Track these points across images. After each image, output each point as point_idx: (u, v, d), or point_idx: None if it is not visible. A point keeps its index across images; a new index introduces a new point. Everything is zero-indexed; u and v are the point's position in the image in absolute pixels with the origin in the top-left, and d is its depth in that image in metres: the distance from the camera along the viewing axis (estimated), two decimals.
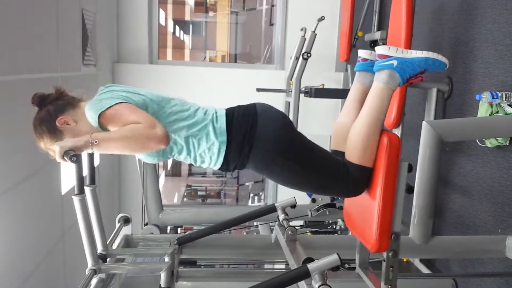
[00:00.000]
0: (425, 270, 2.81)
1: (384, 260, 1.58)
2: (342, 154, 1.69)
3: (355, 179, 1.61)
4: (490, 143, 2.32)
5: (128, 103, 1.57)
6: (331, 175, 1.64)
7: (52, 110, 1.66)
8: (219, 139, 1.62)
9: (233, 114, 1.66)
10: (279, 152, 1.61)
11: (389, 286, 1.59)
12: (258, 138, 1.61)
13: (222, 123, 1.64)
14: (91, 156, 1.80)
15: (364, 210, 1.65)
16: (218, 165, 1.68)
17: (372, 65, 1.73)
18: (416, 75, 1.61)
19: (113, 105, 1.54)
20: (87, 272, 1.64)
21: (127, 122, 1.52)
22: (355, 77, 1.82)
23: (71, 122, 1.65)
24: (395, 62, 1.59)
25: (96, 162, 3.89)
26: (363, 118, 1.60)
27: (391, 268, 1.59)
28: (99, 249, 1.80)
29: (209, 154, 1.65)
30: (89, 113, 1.58)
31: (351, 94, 1.81)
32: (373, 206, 1.55)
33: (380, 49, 1.61)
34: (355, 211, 1.77)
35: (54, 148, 1.56)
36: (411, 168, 1.56)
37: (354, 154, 1.60)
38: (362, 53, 1.79)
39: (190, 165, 12.07)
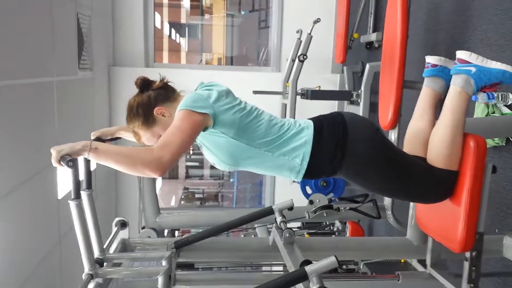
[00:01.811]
0: (421, 270, 2.81)
1: (466, 260, 1.62)
2: (421, 159, 1.69)
3: (443, 183, 1.62)
4: (487, 143, 2.32)
5: (199, 123, 1.54)
6: (422, 180, 1.65)
7: (153, 97, 1.70)
8: (303, 151, 1.63)
9: (322, 124, 1.66)
10: (373, 159, 1.62)
11: (472, 285, 1.63)
12: (351, 145, 1.61)
13: (309, 133, 1.64)
14: (87, 161, 1.80)
15: (446, 211, 1.66)
16: (301, 176, 1.68)
17: (441, 71, 1.77)
18: (491, 85, 1.64)
19: (195, 112, 1.53)
20: (84, 277, 1.63)
21: (169, 130, 1.51)
22: (425, 82, 1.83)
23: (167, 114, 1.69)
24: (473, 69, 1.62)
25: (93, 166, 3.88)
26: (444, 122, 1.61)
27: (473, 268, 1.62)
28: (96, 253, 1.79)
29: (290, 167, 1.65)
30: (184, 101, 1.58)
31: (421, 99, 1.82)
32: (459, 208, 1.57)
33: (461, 54, 1.64)
34: (433, 213, 1.78)
35: (142, 133, 1.69)
36: (495, 169, 1.59)
37: (439, 159, 1.61)
38: (431, 59, 1.80)
39: (188, 167, 12.09)
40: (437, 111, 1.75)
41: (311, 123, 1.68)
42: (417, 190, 1.69)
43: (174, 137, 1.49)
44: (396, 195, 1.80)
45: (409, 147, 1.76)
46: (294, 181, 3.87)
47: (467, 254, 1.63)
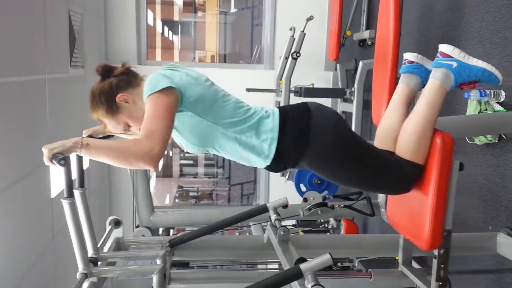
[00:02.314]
0: (417, 267, 2.82)
1: (435, 258, 1.62)
2: (390, 153, 1.70)
3: (407, 176, 1.63)
4: (479, 140, 2.34)
5: (172, 105, 1.54)
6: (386, 171, 1.66)
7: (115, 83, 1.67)
8: (271, 136, 1.62)
9: (287, 113, 1.66)
10: (336, 148, 1.62)
11: (440, 283, 1.63)
12: (315, 134, 1.61)
13: (275, 120, 1.64)
14: (80, 159, 1.79)
15: (414, 209, 1.66)
16: (267, 163, 1.67)
17: (418, 67, 1.77)
18: (470, 82, 1.64)
19: (166, 88, 1.53)
20: (78, 276, 1.62)
21: (148, 120, 1.51)
22: (401, 78, 1.83)
23: (130, 101, 1.66)
24: (454, 64, 1.62)
25: (86, 164, 3.86)
26: (417, 115, 1.62)
27: (442, 266, 1.62)
28: (90, 252, 1.79)
29: (259, 152, 1.65)
30: (146, 86, 1.57)
31: (396, 95, 1.82)
32: (426, 205, 1.57)
33: (444, 47, 1.64)
34: (402, 210, 1.78)
35: (108, 121, 1.68)
36: (462, 167, 1.59)
37: (407, 151, 1.62)
38: (409, 56, 1.80)
39: (182, 165, 12.06)
40: (411, 108, 1.75)
41: (277, 110, 1.69)
42: (380, 181, 1.69)
43: (155, 125, 1.49)
44: (359, 185, 1.79)
45: (380, 142, 1.77)
46: (284, 177, 3.86)
47: (436, 252, 1.62)
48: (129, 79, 1.70)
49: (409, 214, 1.72)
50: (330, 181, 1.79)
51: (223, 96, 1.68)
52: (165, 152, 1.73)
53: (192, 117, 1.62)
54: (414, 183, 1.64)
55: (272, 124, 1.64)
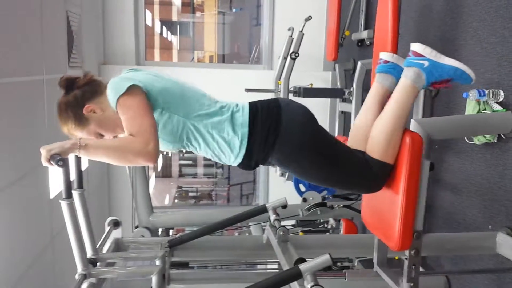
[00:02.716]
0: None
1: (406, 259, 1.61)
2: (361, 152, 1.70)
3: (376, 175, 1.63)
4: (478, 140, 2.34)
5: (143, 96, 1.54)
6: (355, 169, 1.65)
7: (79, 96, 1.65)
8: (241, 131, 1.61)
9: (256, 108, 1.66)
10: (305, 145, 1.61)
11: (412, 284, 1.61)
12: (284, 130, 1.61)
13: (245, 114, 1.63)
14: (78, 160, 1.78)
15: (385, 209, 1.66)
16: (239, 159, 1.66)
17: (393, 68, 1.76)
18: (442, 81, 1.63)
19: (129, 89, 1.52)
20: (77, 277, 1.62)
21: (131, 125, 1.50)
22: (376, 78, 1.82)
23: (98, 111, 1.64)
24: (426, 63, 1.61)
25: (84, 165, 3.85)
26: (387, 114, 1.61)
27: (413, 266, 1.61)
28: (89, 253, 1.79)
29: (230, 147, 1.63)
30: (110, 93, 1.56)
31: (370, 95, 1.82)
32: (396, 206, 1.56)
33: (416, 46, 1.63)
34: (375, 211, 1.78)
35: (79, 134, 1.63)
36: (433, 167, 1.58)
37: (376, 150, 1.61)
38: (384, 55, 1.80)
39: (181, 166, 12.05)
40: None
41: (247, 105, 1.68)
42: (348, 180, 1.68)
43: (140, 123, 1.49)
44: (327, 183, 1.78)
45: (353, 141, 1.76)
46: (284, 177, 3.86)
47: (406, 253, 1.62)
48: (93, 89, 1.68)
49: (381, 214, 1.71)
50: (300, 178, 1.77)
51: (190, 89, 1.67)
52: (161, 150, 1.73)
53: (162, 115, 1.60)
54: (383, 183, 1.64)
55: (242, 119, 1.63)
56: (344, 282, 2.01)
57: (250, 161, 1.67)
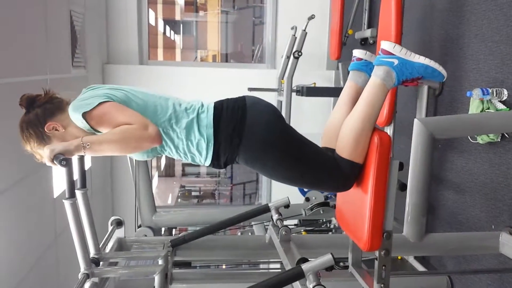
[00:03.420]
0: (419, 267, 2.82)
1: (376, 259, 1.59)
2: (331, 151, 1.68)
3: (345, 174, 1.61)
4: (481, 139, 2.33)
5: (113, 102, 1.55)
6: (322, 169, 1.64)
7: (40, 114, 1.63)
8: (207, 132, 1.61)
9: (222, 107, 1.65)
10: (270, 144, 1.60)
11: (382, 285, 1.59)
12: (248, 130, 1.60)
13: (209, 116, 1.62)
14: (81, 160, 1.79)
15: (355, 209, 1.65)
16: (209, 161, 1.66)
17: (366, 65, 1.75)
18: (413, 79, 1.61)
19: (97, 105, 1.52)
20: (80, 276, 1.63)
21: (118, 122, 1.51)
22: (349, 76, 1.82)
23: (60, 128, 1.62)
24: (395, 61, 1.59)
25: (88, 165, 3.86)
26: (357, 112, 1.60)
27: (383, 267, 1.59)
28: (92, 253, 1.79)
29: (198, 149, 1.63)
30: (73, 115, 1.55)
31: (344, 92, 1.81)
32: (365, 205, 1.55)
33: (385, 44, 1.62)
34: (347, 211, 1.77)
35: (43, 152, 1.56)
36: (402, 166, 1.57)
37: (345, 149, 1.60)
38: (357, 53, 1.79)
39: (184, 165, 12.05)
40: None
41: (212, 105, 1.66)
42: (316, 179, 1.67)
43: (124, 114, 1.52)
44: (295, 183, 1.76)
45: (325, 139, 1.76)
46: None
47: (376, 253, 1.60)
48: (54, 106, 1.66)
49: (352, 214, 1.70)
50: (268, 177, 1.77)
51: (152, 95, 1.66)
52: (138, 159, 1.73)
53: None
54: (352, 182, 1.63)
55: (207, 120, 1.62)
56: None
57: (219, 161, 1.67)
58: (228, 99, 1.70)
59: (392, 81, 1.59)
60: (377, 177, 1.52)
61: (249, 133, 1.59)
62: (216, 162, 1.66)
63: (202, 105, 1.66)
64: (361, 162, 1.59)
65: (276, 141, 1.61)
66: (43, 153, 1.57)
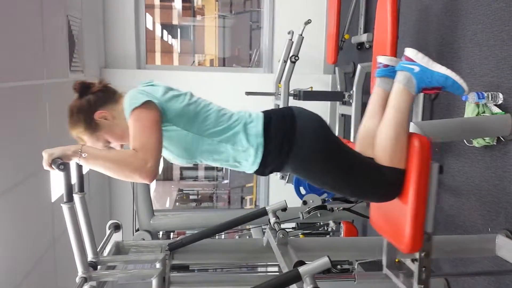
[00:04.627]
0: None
1: (416, 260, 1.62)
2: (369, 158, 1.69)
3: (390, 181, 1.62)
4: (477, 143, 2.34)
5: (157, 119, 1.54)
6: (370, 178, 1.65)
7: (93, 101, 1.66)
8: (256, 142, 1.62)
9: (270, 117, 1.66)
10: (320, 154, 1.62)
11: (422, 286, 1.62)
12: (298, 138, 1.61)
13: (259, 125, 1.63)
14: (80, 164, 1.79)
15: (395, 212, 1.66)
16: (255, 168, 1.67)
17: (393, 71, 1.75)
18: (433, 88, 1.63)
19: (145, 103, 1.53)
20: (77, 280, 1.63)
21: (134, 136, 1.51)
22: (376, 82, 1.83)
23: (109, 118, 1.65)
24: (416, 68, 1.62)
25: (86, 169, 3.86)
26: (387, 120, 1.62)
27: (423, 268, 1.62)
28: (90, 256, 1.79)
29: (246, 158, 1.64)
30: (126, 103, 1.57)
31: (373, 99, 1.82)
32: (406, 208, 1.57)
33: (409, 51, 1.65)
34: (384, 213, 1.79)
35: (87, 138, 1.64)
36: (441, 169, 1.59)
37: (384, 157, 1.61)
38: (383, 59, 1.80)
39: (182, 169, 12.05)
40: None
41: (261, 115, 1.68)
42: (364, 188, 1.68)
43: (146, 138, 1.49)
44: (344, 192, 1.78)
45: (360, 147, 1.76)
46: (284, 180, 3.87)
47: (417, 255, 1.63)
48: (107, 96, 1.69)
49: (391, 217, 1.72)
50: (316, 186, 1.77)
51: (204, 106, 1.67)
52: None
53: (177, 131, 1.61)
54: (399, 189, 1.62)
55: (256, 129, 1.63)
56: (353, 284, 2.02)
57: (265, 169, 1.68)
58: (274, 109, 1.73)
59: (413, 87, 1.62)
60: (418, 180, 1.55)
61: (299, 142, 1.60)
62: (261, 169, 1.67)
63: (250, 115, 1.68)
64: (403, 167, 1.60)
65: (325, 151, 1.62)
66: (86, 140, 1.64)
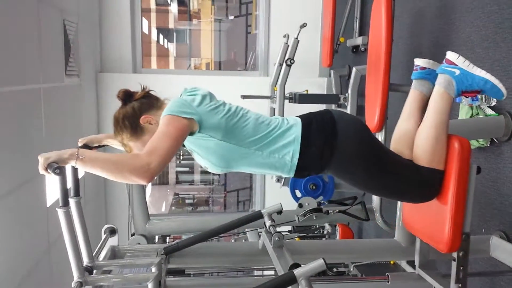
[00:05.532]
0: (412, 271, 2.83)
1: (454, 260, 1.66)
2: (408, 161, 1.71)
3: (429, 182, 1.64)
4: (471, 144, 2.36)
5: (184, 129, 1.55)
6: (410, 179, 1.67)
7: (137, 107, 1.72)
8: (293, 148, 1.64)
9: (310, 121, 1.68)
10: (362, 156, 1.64)
11: (460, 285, 1.66)
12: (341, 142, 1.62)
13: (297, 131, 1.65)
14: (75, 168, 1.79)
15: (432, 212, 1.69)
16: (292, 174, 1.69)
17: (430, 74, 1.79)
18: (472, 91, 1.66)
19: (180, 116, 1.55)
20: (73, 285, 1.62)
21: (155, 136, 1.52)
22: (413, 85, 1.85)
23: (154, 122, 1.70)
24: (457, 72, 1.65)
25: (81, 173, 3.86)
26: (428, 121, 1.64)
27: (461, 268, 1.66)
28: (85, 261, 1.79)
29: (282, 164, 1.66)
30: (168, 106, 1.60)
31: (409, 101, 1.84)
32: (445, 208, 1.60)
33: (450, 55, 1.68)
34: (419, 214, 1.81)
35: (133, 144, 1.70)
36: (479, 170, 1.61)
37: (424, 158, 1.64)
38: (420, 62, 1.82)
39: (178, 173, 12.03)
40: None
41: (299, 120, 1.70)
42: (404, 189, 1.70)
43: (160, 142, 1.50)
44: (384, 193, 1.82)
45: (396, 148, 1.77)
46: (280, 183, 3.87)
47: (455, 254, 1.66)
48: (150, 102, 1.75)
49: (427, 217, 1.74)
50: (356, 188, 1.78)
51: (242, 116, 1.69)
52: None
53: (215, 142, 1.63)
54: (438, 189, 1.64)
55: (295, 135, 1.65)
56: (387, 285, 2.04)
57: (303, 173, 1.70)
58: (313, 113, 1.74)
59: (453, 90, 1.64)
60: (458, 181, 1.57)
61: (340, 146, 1.62)
62: (298, 173, 1.69)
63: (288, 121, 1.70)
64: (442, 168, 1.63)
65: (366, 153, 1.64)
66: (132, 146, 1.70)
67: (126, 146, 1.75)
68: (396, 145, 1.79)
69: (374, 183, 1.70)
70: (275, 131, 1.66)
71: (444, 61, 1.70)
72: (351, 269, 3.10)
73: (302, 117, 1.72)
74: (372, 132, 1.72)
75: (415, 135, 1.70)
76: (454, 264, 1.67)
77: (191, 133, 1.61)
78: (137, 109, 1.71)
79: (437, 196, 1.66)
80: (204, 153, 1.67)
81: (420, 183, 1.66)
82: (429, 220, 1.73)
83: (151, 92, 1.78)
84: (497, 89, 1.64)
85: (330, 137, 1.63)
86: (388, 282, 2.03)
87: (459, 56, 1.67)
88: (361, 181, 1.70)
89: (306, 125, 1.67)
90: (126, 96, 1.74)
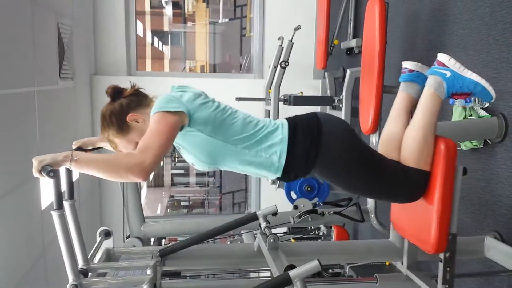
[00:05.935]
0: (400, 273, 2.84)
1: (441, 261, 1.67)
2: (395, 162, 1.72)
3: (415, 182, 1.66)
4: (465, 146, 2.37)
5: (175, 125, 1.56)
6: (395, 180, 1.68)
7: (125, 104, 1.71)
8: (279, 149, 1.65)
9: (296, 123, 1.69)
10: (346, 157, 1.66)
11: (447, 286, 1.66)
12: (326, 143, 1.64)
13: (284, 132, 1.67)
14: (69, 171, 1.79)
15: (419, 213, 1.70)
16: (278, 174, 1.70)
17: (417, 76, 1.80)
18: (462, 94, 1.68)
19: (169, 112, 1.56)
20: (68, 287, 1.62)
21: (147, 134, 1.53)
22: (401, 87, 1.86)
23: (141, 120, 1.70)
24: (448, 73, 1.66)
25: (75, 176, 3.85)
26: (416, 122, 1.66)
27: (448, 269, 1.66)
28: (80, 264, 1.78)
29: (268, 165, 1.67)
30: (155, 105, 1.60)
31: (397, 103, 1.85)
32: (431, 209, 1.61)
33: (441, 57, 1.70)
34: (407, 215, 1.82)
35: (119, 141, 1.70)
36: (466, 172, 1.62)
37: (411, 158, 1.65)
38: (409, 65, 1.83)
39: (173, 175, 12.02)
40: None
41: (286, 122, 1.72)
42: (390, 190, 1.72)
43: (153, 140, 1.51)
44: (371, 194, 1.85)
45: (384, 150, 1.79)
46: (275, 185, 3.88)
47: (441, 255, 1.66)
48: (139, 99, 1.74)
49: (415, 218, 1.75)
50: (342, 189, 1.80)
51: (231, 114, 1.70)
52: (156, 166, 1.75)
53: (202, 137, 1.64)
54: (423, 190, 1.66)
55: (282, 136, 1.67)
56: (375, 286, 2.05)
57: (290, 175, 1.71)
58: (299, 115, 1.76)
59: (443, 91, 1.66)
60: (444, 182, 1.59)
61: (326, 148, 1.64)
62: (285, 175, 1.71)
63: (275, 123, 1.71)
64: (429, 169, 1.64)
65: (352, 155, 1.66)
66: (117, 142, 1.71)
67: (112, 143, 1.75)
68: (383, 147, 1.80)
69: (359, 185, 1.72)
70: (262, 131, 1.68)
71: (435, 63, 1.71)
72: (347, 270, 3.11)
73: (289, 119, 1.74)
74: (357, 135, 1.73)
75: (403, 136, 1.71)
76: (440, 265, 1.67)
77: (181, 127, 1.62)
78: (125, 106, 1.71)
79: (422, 197, 1.68)
80: (191, 148, 1.68)
81: (407, 183, 1.67)
82: (416, 221, 1.74)
83: (140, 90, 1.78)
84: (487, 92, 1.66)
85: (316, 139, 1.65)
86: (376, 283, 2.03)
87: (450, 58, 1.68)
88: (347, 183, 1.73)
89: (293, 127, 1.69)
90: (115, 93, 1.74)
